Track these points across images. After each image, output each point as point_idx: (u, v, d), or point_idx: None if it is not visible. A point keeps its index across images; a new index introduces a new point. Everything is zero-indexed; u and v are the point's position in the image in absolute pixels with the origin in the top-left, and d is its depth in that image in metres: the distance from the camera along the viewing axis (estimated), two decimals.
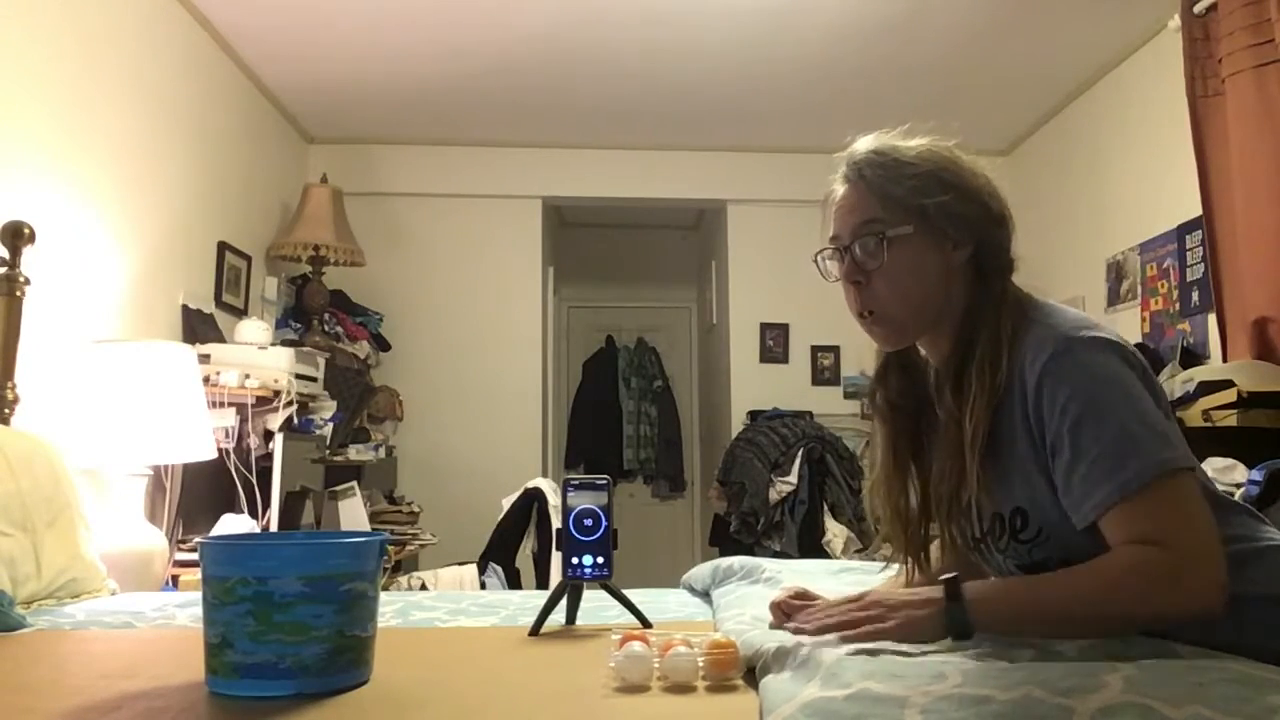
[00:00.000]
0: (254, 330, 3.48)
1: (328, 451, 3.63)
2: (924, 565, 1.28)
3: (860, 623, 1.08)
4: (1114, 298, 3.98)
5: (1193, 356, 3.24)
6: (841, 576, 1.54)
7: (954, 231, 1.19)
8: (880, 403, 1.32)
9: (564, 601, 1.52)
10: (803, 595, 1.28)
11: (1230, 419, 2.59)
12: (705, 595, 1.76)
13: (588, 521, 1.50)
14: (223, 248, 3.76)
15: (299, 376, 3.30)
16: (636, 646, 1.15)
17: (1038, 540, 1.14)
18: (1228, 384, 2.64)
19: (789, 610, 1.23)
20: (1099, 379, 1.06)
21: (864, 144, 1.24)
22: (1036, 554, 1.16)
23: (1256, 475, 2.25)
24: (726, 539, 4.25)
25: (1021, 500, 1.14)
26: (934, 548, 1.33)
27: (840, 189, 1.25)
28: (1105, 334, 1.11)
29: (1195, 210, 3.23)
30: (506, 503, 3.50)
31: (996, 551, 1.21)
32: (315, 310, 4.20)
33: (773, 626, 1.24)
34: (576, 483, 1.53)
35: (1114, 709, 0.80)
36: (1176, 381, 2.86)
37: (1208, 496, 1.11)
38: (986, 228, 1.20)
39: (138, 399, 2.45)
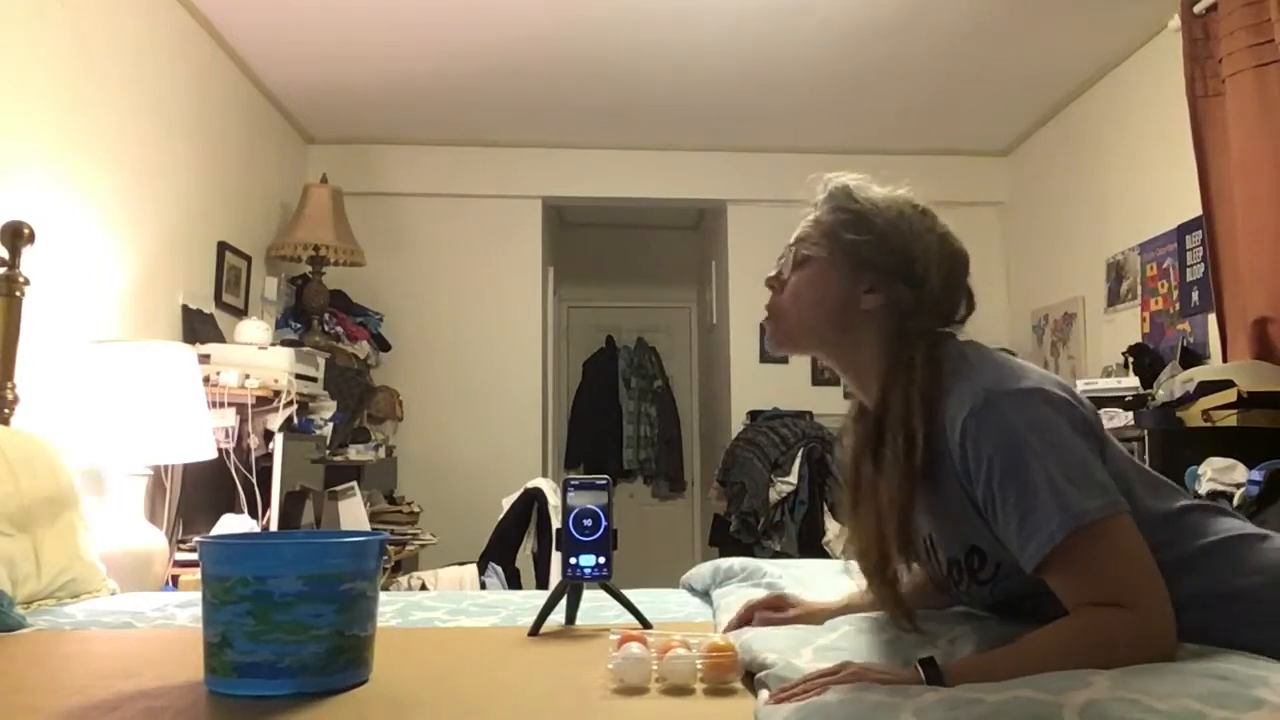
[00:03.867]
0: (254, 330, 3.48)
1: (328, 451, 3.62)
2: (898, 600, 1.25)
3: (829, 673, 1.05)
4: (1114, 298, 3.98)
5: (1193, 356, 3.24)
6: (842, 577, 1.53)
7: (864, 274, 1.22)
8: (841, 452, 1.35)
9: (564, 601, 1.52)
10: (778, 602, 1.37)
11: (1230, 419, 2.59)
12: (705, 595, 1.76)
13: (588, 521, 1.50)
14: (223, 248, 3.76)
15: (299, 376, 3.30)
16: (635, 648, 1.15)
17: (996, 578, 1.14)
18: (1228, 384, 2.64)
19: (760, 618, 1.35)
20: (1017, 431, 1.05)
21: (844, 175, 1.28)
22: (998, 592, 1.16)
23: (1256, 475, 2.25)
24: (726, 539, 4.25)
25: (975, 540, 1.14)
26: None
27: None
28: (1030, 382, 1.09)
29: (1195, 210, 3.23)
30: (506, 503, 3.50)
31: (962, 592, 1.22)
32: (315, 310, 4.20)
33: (729, 628, 1.36)
34: (576, 483, 1.53)
35: (1102, 703, 0.80)
36: (1176, 381, 2.86)
37: (1153, 510, 1.11)
38: (896, 285, 1.20)
39: (138, 399, 2.45)
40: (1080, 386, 3.17)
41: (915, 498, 1.14)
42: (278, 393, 3.15)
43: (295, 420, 3.29)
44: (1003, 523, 1.06)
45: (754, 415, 4.69)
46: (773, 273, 1.31)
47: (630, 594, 1.54)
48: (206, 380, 2.90)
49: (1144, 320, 3.75)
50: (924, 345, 1.18)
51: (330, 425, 3.62)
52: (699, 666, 1.14)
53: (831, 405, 4.84)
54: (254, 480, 2.99)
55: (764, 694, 1.02)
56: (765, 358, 5.01)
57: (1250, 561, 1.08)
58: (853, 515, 1.25)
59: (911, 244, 1.21)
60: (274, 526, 3.00)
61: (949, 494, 1.13)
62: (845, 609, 1.36)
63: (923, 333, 1.19)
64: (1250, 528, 1.13)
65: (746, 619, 1.38)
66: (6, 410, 2.28)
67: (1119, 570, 1.00)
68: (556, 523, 3.13)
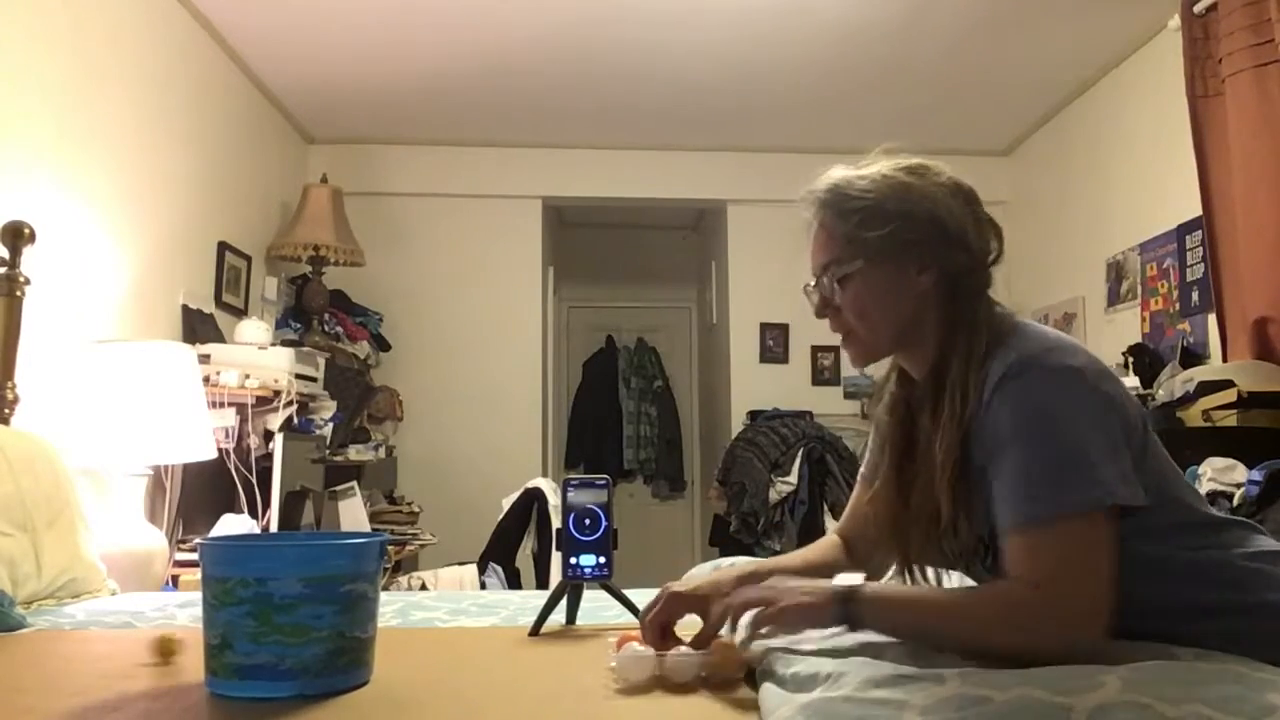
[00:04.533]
0: (254, 330, 3.48)
1: (328, 451, 3.62)
2: (921, 578, 1.27)
3: (755, 602, 1.14)
4: (1114, 298, 3.98)
5: (1193, 356, 3.24)
6: (840, 577, 1.53)
7: (910, 259, 1.20)
8: (879, 411, 1.33)
9: (564, 601, 1.52)
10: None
11: (1230, 419, 2.59)
12: None
13: (588, 521, 1.50)
14: (223, 248, 3.75)
15: (299, 376, 3.30)
16: (637, 647, 1.15)
17: None
18: (1228, 384, 2.64)
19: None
20: (1039, 403, 1.06)
21: (823, 179, 1.26)
22: None
23: (1256, 475, 2.25)
24: (726, 539, 4.25)
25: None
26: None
27: (811, 225, 1.29)
28: (1071, 361, 1.09)
29: (1195, 210, 3.23)
30: (506, 503, 3.50)
31: (985, 570, 1.22)
32: (315, 310, 4.20)
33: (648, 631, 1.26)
34: (576, 482, 1.53)
35: (1111, 707, 0.80)
36: (1176, 381, 2.86)
37: (1179, 521, 1.11)
38: (941, 251, 1.20)
39: (138, 399, 2.45)
40: None
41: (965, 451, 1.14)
42: (278, 393, 3.15)
43: (295, 420, 3.29)
44: (995, 480, 1.09)
45: (754, 415, 4.69)
46: (814, 304, 1.28)
47: (630, 594, 1.54)
48: (206, 380, 2.90)
49: (1144, 320, 3.75)
50: (983, 303, 1.20)
51: (330, 425, 3.62)
52: (701, 665, 1.14)
53: (831, 405, 4.85)
54: (254, 480, 2.99)
55: (767, 686, 1.02)
56: (765, 357, 5.01)
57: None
58: (900, 473, 1.24)
59: (933, 209, 1.20)
60: (274, 527, 2.99)
61: (978, 468, 1.13)
62: (755, 573, 1.33)
63: (979, 287, 1.21)
64: None
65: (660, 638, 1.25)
66: (6, 410, 2.28)
67: (1063, 567, 1.02)
68: (556, 523, 3.13)
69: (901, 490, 1.24)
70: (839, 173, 1.26)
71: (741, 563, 1.45)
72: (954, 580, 1.29)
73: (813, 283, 1.29)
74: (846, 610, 1.10)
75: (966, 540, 1.20)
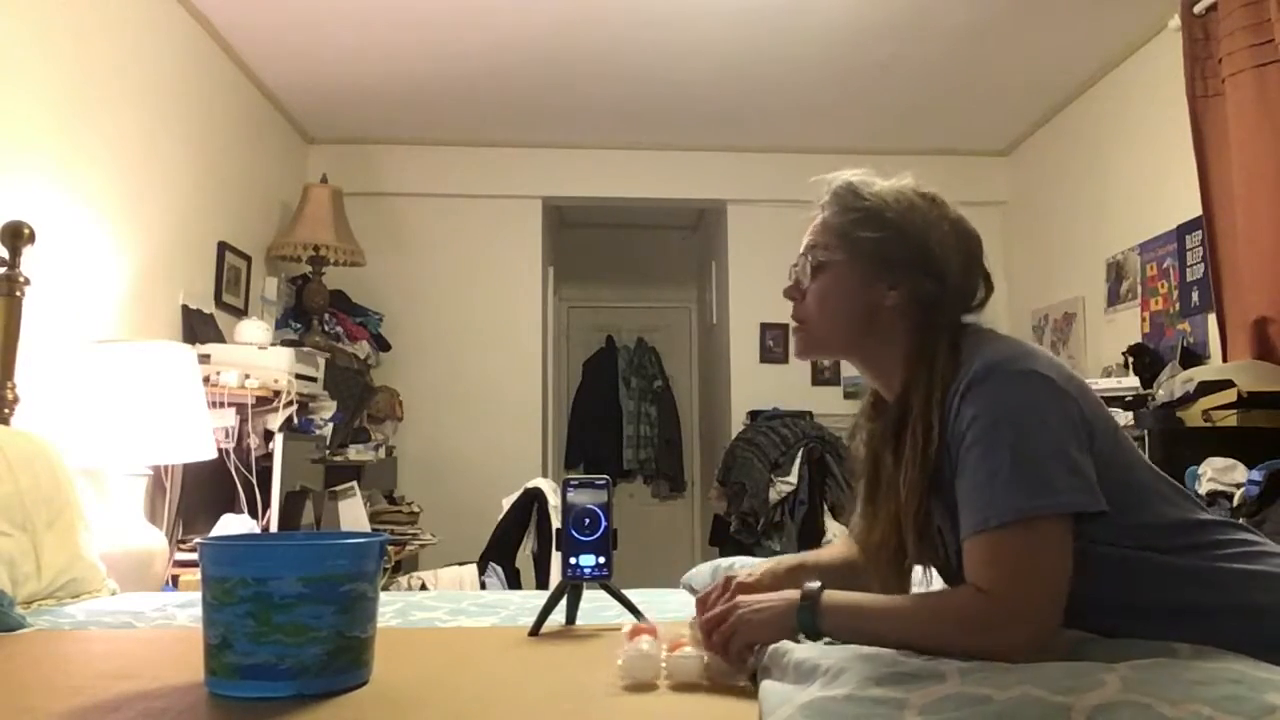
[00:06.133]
0: (254, 330, 3.48)
1: (328, 451, 3.62)
2: (905, 591, 1.26)
3: (720, 617, 1.15)
4: (1114, 298, 3.98)
5: (1193, 356, 3.24)
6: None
7: (885, 272, 1.21)
8: (854, 444, 1.34)
9: (564, 601, 1.52)
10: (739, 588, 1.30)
11: (1230, 419, 2.59)
12: None
13: (587, 521, 1.50)
14: (223, 248, 3.75)
15: (299, 376, 3.30)
16: (644, 644, 1.15)
17: None
18: (1228, 384, 2.64)
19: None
20: (1002, 407, 1.07)
21: (843, 174, 1.28)
22: None
23: (1256, 475, 2.25)
24: (726, 539, 4.25)
25: None
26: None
27: (817, 214, 1.31)
28: (1032, 365, 1.10)
29: (1195, 210, 3.23)
30: (506, 503, 3.50)
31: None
32: (315, 310, 4.20)
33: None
34: (576, 482, 1.53)
35: (1112, 707, 0.80)
36: (1176, 381, 2.86)
37: (1150, 522, 1.10)
38: (916, 276, 1.21)
39: (138, 399, 2.45)
40: None
41: (931, 488, 1.15)
42: (278, 393, 3.15)
43: (295, 420, 3.29)
44: (958, 484, 1.10)
45: (754, 415, 4.69)
46: (789, 283, 1.30)
47: (630, 594, 1.54)
48: (206, 380, 2.90)
49: (1144, 320, 3.75)
50: (946, 337, 1.19)
51: (330, 425, 3.62)
52: (706, 662, 1.14)
53: (831, 405, 4.85)
54: (254, 480, 2.99)
55: (767, 683, 1.02)
56: (765, 357, 5.01)
57: (1268, 579, 1.08)
58: (870, 506, 1.25)
59: (927, 235, 1.21)
60: (274, 527, 2.99)
61: (954, 489, 1.13)
62: (802, 565, 1.37)
63: (947, 324, 1.20)
64: (1272, 546, 1.13)
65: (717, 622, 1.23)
66: (6, 410, 2.28)
67: (1016, 574, 1.03)
68: (556, 523, 3.13)
69: (871, 524, 1.25)
70: (860, 174, 1.28)
71: (784, 559, 1.43)
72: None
73: (795, 263, 1.30)
74: (805, 619, 1.10)
75: (952, 551, 1.20)
